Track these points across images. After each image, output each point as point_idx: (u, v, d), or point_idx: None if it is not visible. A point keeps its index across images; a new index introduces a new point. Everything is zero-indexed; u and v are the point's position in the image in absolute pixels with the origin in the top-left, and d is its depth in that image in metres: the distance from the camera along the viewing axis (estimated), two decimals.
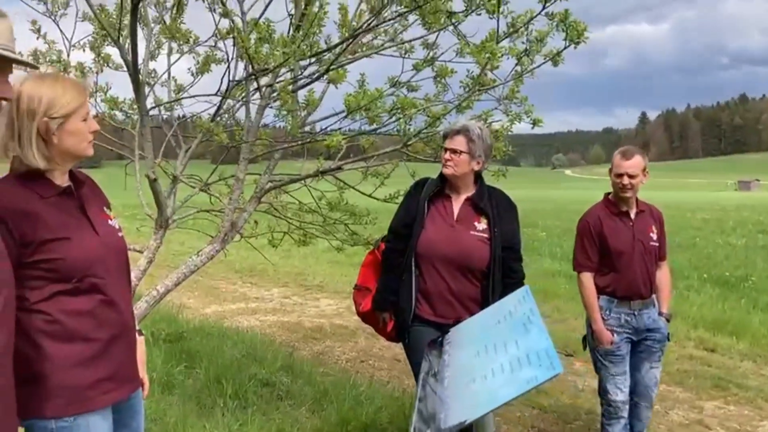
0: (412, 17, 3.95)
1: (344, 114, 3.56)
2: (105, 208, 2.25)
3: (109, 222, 2.21)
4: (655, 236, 3.99)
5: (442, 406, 2.01)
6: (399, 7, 3.39)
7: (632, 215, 3.97)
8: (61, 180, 2.10)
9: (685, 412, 5.23)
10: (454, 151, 3.41)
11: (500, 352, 1.99)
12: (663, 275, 4.08)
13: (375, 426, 4.32)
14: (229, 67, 3.39)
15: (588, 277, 3.99)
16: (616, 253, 3.90)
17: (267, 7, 3.55)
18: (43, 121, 1.99)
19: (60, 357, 2.00)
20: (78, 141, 2.07)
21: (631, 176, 3.84)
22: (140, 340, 2.36)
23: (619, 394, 3.94)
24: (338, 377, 5.44)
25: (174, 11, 4.03)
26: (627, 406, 3.97)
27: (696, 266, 12.63)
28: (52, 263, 1.99)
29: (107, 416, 2.12)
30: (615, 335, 3.90)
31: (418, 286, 3.46)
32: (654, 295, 3.99)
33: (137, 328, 2.36)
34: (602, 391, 4.03)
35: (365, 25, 3.41)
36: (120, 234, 2.24)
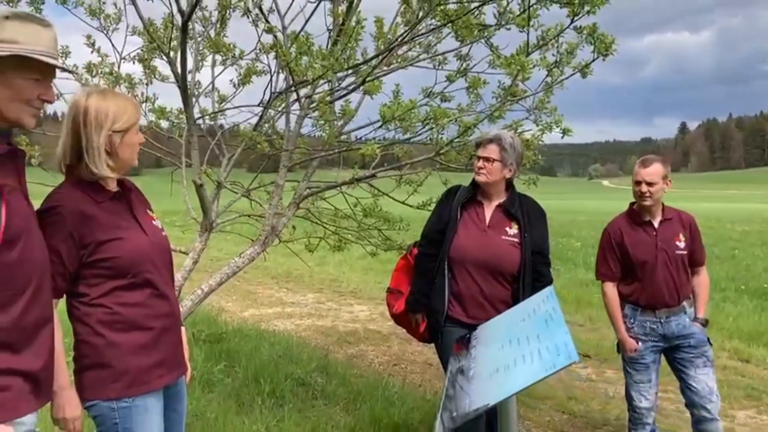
0: (445, 30, 4.12)
1: (379, 124, 3.72)
2: (149, 210, 2.47)
3: (153, 222, 2.43)
4: (682, 244, 3.95)
5: (467, 396, 2.15)
6: (433, 21, 3.53)
7: (655, 224, 3.96)
8: (112, 186, 2.32)
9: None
10: (487, 160, 3.54)
11: (523, 344, 2.13)
12: (700, 280, 4.06)
13: (406, 426, 4.45)
14: (271, 79, 3.58)
15: (610, 287, 4.04)
16: (639, 262, 3.92)
17: (307, 21, 3.75)
18: (109, 134, 2.20)
19: (120, 345, 2.23)
20: (132, 152, 2.31)
21: (649, 184, 3.85)
22: (183, 331, 2.56)
23: (643, 401, 3.97)
24: (371, 379, 5.58)
25: (218, 26, 4.26)
26: (652, 414, 4.00)
27: (733, 278, 12.47)
28: (110, 261, 2.21)
29: (159, 398, 2.34)
30: (640, 343, 3.93)
31: (451, 289, 3.59)
32: (685, 302, 3.94)
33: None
34: (628, 397, 4.09)
35: (399, 39, 3.56)
36: (164, 233, 2.46)
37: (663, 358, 4.10)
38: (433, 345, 3.88)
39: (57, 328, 2.11)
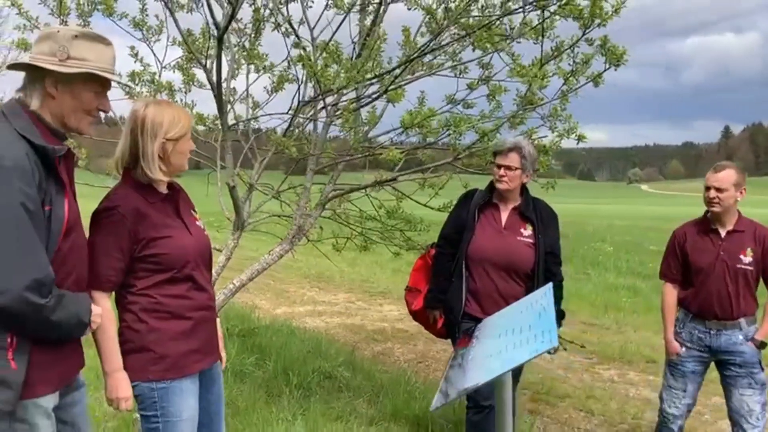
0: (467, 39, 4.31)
1: (401, 129, 3.95)
2: (192, 211, 2.73)
3: (197, 223, 2.70)
4: (747, 258, 3.78)
5: (463, 376, 2.37)
6: (455, 31, 3.74)
7: (722, 233, 3.84)
8: (163, 188, 2.59)
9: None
10: (508, 168, 3.75)
11: (516, 334, 2.33)
12: None
13: (426, 418, 4.64)
14: (299, 88, 3.83)
15: (668, 288, 4.03)
16: (695, 269, 3.88)
17: (335, 33, 4.00)
18: (162, 141, 2.47)
19: (161, 331, 2.50)
20: (182, 158, 2.58)
21: (718, 189, 3.74)
22: (217, 322, 2.81)
23: (671, 406, 3.97)
24: (395, 374, 5.80)
25: (252, 36, 4.52)
26: (678, 423, 3.97)
27: None
28: (158, 257, 2.48)
29: (195, 381, 2.60)
30: (683, 349, 3.92)
31: (468, 287, 3.80)
32: (743, 319, 3.80)
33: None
34: (660, 398, 4.09)
35: (420, 49, 3.77)
36: (205, 233, 2.73)
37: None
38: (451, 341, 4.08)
39: (111, 317, 2.41)
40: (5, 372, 1.95)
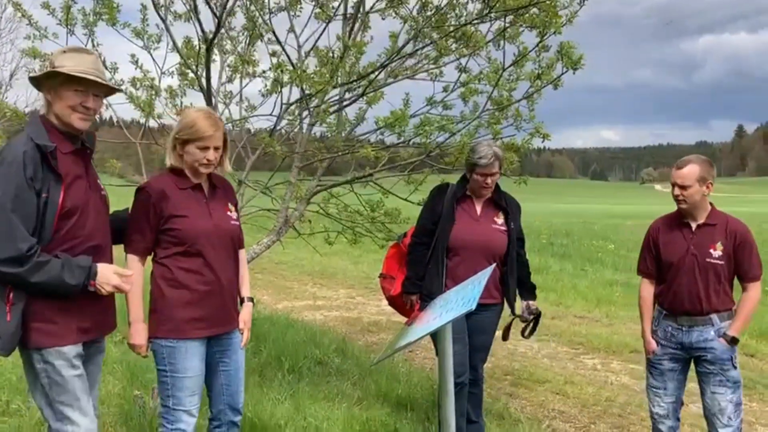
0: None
1: (380, 129, 4.30)
2: (229, 204, 3.22)
3: (228, 213, 3.18)
4: (717, 252, 3.70)
5: (404, 337, 2.75)
6: (421, 42, 4.08)
7: (693, 227, 3.77)
8: (195, 179, 3.08)
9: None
10: (492, 175, 4.10)
11: (450, 303, 2.68)
12: (744, 296, 3.75)
13: (408, 398, 4.99)
14: (281, 92, 4.18)
15: (644, 284, 4.00)
16: (666, 263, 3.83)
17: (318, 40, 4.36)
18: (174, 138, 3.03)
19: (171, 298, 2.98)
20: (192, 159, 3.04)
21: (681, 187, 3.68)
22: (248, 306, 3.29)
23: (655, 406, 3.92)
24: (384, 361, 6.13)
25: (246, 43, 4.88)
26: (666, 423, 3.89)
27: (765, 280, 12.58)
28: (174, 232, 2.99)
29: (201, 346, 3.05)
30: (659, 347, 3.87)
31: (447, 272, 4.14)
32: (714, 315, 3.71)
33: (246, 296, 3.29)
34: (648, 399, 4.04)
35: (393, 56, 4.11)
36: (233, 222, 3.20)
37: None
38: None
39: (138, 276, 2.94)
40: (1, 323, 2.49)
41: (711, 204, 3.82)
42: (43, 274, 2.49)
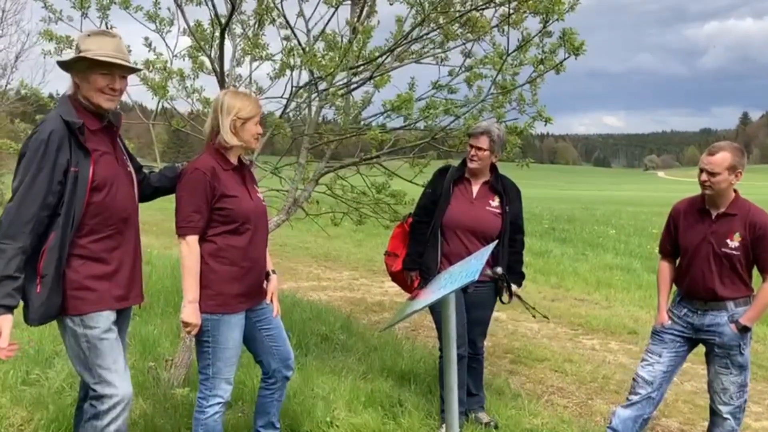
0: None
1: (384, 112, 4.44)
2: (255, 185, 3.44)
3: (257, 194, 3.39)
4: (734, 243, 3.69)
5: (410, 307, 2.91)
6: (427, 27, 4.21)
7: (713, 215, 3.77)
8: (234, 160, 3.27)
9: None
10: (479, 149, 4.23)
11: (453, 276, 2.85)
12: (762, 288, 3.70)
13: (412, 373, 5.16)
14: (291, 75, 4.32)
15: (663, 263, 4.07)
16: (683, 248, 3.90)
17: (327, 24, 4.47)
18: (234, 119, 3.16)
19: (219, 273, 3.15)
20: (249, 136, 3.25)
21: (710, 173, 3.64)
22: (274, 278, 3.50)
23: (642, 369, 3.96)
24: (387, 338, 6.31)
25: (256, 27, 5.00)
26: (647, 388, 3.91)
27: None
28: (226, 211, 3.16)
29: (241, 318, 3.26)
30: (670, 322, 3.93)
31: (442, 250, 4.30)
32: (730, 302, 3.73)
33: (271, 269, 3.48)
34: None
35: (400, 40, 4.24)
36: (263, 202, 3.42)
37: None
38: None
39: (194, 256, 3.09)
40: (31, 294, 2.69)
41: (735, 191, 3.78)
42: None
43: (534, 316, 4.55)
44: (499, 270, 4.26)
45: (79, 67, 2.78)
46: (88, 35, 2.82)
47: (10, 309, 2.62)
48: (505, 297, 4.36)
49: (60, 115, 2.71)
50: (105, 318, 2.82)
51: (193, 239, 3.10)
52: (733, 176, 3.65)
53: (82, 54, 2.74)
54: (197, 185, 3.09)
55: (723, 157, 3.62)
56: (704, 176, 3.68)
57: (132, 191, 3.00)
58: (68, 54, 2.87)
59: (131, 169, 3.05)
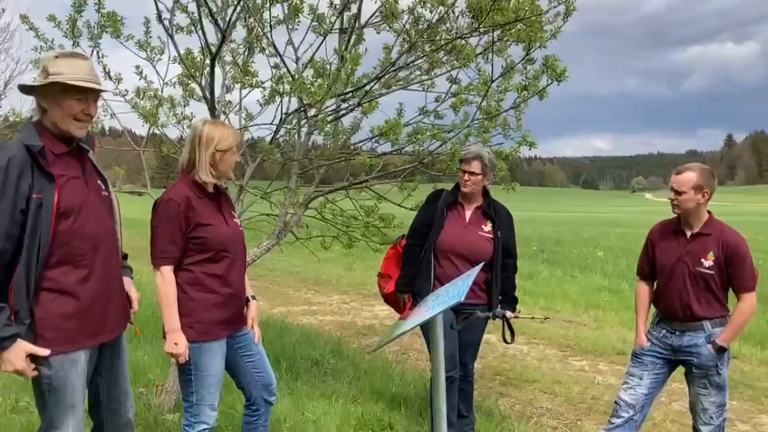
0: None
1: (374, 137, 4.52)
2: (232, 211, 3.42)
3: (234, 219, 3.39)
4: (708, 263, 3.76)
5: (399, 328, 2.96)
6: (413, 55, 4.31)
7: (688, 235, 3.85)
8: (210, 188, 3.26)
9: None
10: (471, 173, 4.32)
11: (440, 298, 2.90)
12: (737, 307, 3.79)
13: (402, 395, 5.18)
14: (281, 102, 4.40)
15: (641, 284, 4.13)
16: (659, 268, 3.95)
17: (315, 52, 4.56)
18: (213, 152, 3.14)
19: (198, 301, 3.15)
20: (228, 167, 3.26)
21: (676, 192, 3.76)
22: (254, 303, 3.50)
23: (623, 392, 3.99)
24: (378, 362, 6.33)
25: (246, 55, 5.08)
26: (630, 411, 3.94)
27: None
28: (201, 240, 3.16)
29: (222, 345, 3.26)
30: (649, 344, 3.98)
31: (435, 273, 4.35)
32: (707, 322, 3.79)
33: (250, 294, 3.48)
34: None
35: (387, 67, 4.33)
36: (240, 228, 3.43)
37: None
38: None
39: (170, 286, 3.07)
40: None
41: (709, 212, 3.87)
42: None
43: (532, 318, 4.58)
44: (500, 312, 4.33)
45: (50, 90, 2.59)
46: (57, 57, 2.63)
47: (14, 338, 2.49)
48: (508, 337, 4.37)
49: (21, 141, 2.55)
50: (71, 361, 2.65)
51: (167, 270, 3.09)
52: (700, 195, 3.73)
53: (54, 78, 2.55)
54: (171, 216, 3.08)
55: (689, 177, 3.73)
56: (672, 194, 3.81)
57: (106, 216, 2.81)
58: (31, 77, 2.67)
59: (107, 192, 2.87)
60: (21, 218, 2.50)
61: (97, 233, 2.72)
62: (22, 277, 2.51)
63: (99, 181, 2.85)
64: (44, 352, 2.55)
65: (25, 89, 2.70)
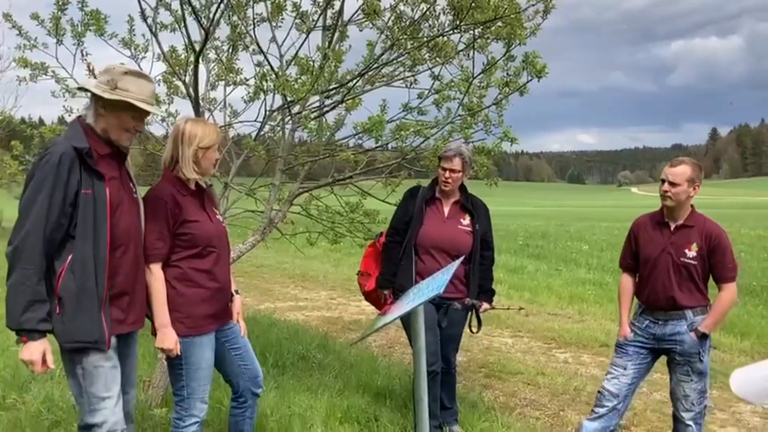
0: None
1: (358, 134, 4.57)
2: (214, 208, 3.47)
3: (217, 216, 3.44)
4: (692, 254, 3.88)
5: (380, 321, 3.01)
6: (396, 52, 4.36)
7: (672, 227, 3.96)
8: (192, 185, 3.31)
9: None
10: (452, 170, 4.38)
11: (422, 290, 2.96)
12: (719, 296, 3.91)
13: (387, 389, 5.25)
14: (264, 99, 4.44)
15: (624, 276, 4.21)
16: (643, 259, 4.04)
17: (299, 49, 4.61)
18: (195, 149, 3.20)
19: (187, 296, 3.21)
20: (209, 164, 3.32)
21: (671, 183, 3.85)
22: (238, 298, 3.56)
23: (608, 382, 4.07)
24: (364, 356, 6.39)
25: (230, 52, 5.12)
26: (613, 401, 4.02)
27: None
28: (188, 236, 3.21)
29: (211, 339, 3.32)
30: (632, 334, 4.07)
31: (416, 268, 4.41)
32: (689, 311, 3.90)
33: (234, 289, 3.53)
34: None
35: (370, 64, 4.39)
36: (223, 224, 3.48)
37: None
38: None
39: (160, 282, 3.12)
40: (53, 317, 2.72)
41: (692, 206, 4.00)
42: (12, 276, 2.64)
43: (508, 308, 4.67)
44: (469, 302, 4.43)
45: (112, 102, 2.81)
46: (125, 72, 2.85)
47: (44, 334, 2.67)
48: (475, 327, 4.53)
49: (69, 140, 2.76)
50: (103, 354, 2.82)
51: (156, 266, 3.12)
52: (692, 189, 3.87)
53: (122, 95, 2.80)
54: (158, 213, 3.12)
55: (684, 170, 3.86)
56: (666, 186, 3.88)
57: (135, 218, 3.01)
58: (85, 80, 2.94)
59: (137, 195, 3.08)
60: (70, 210, 2.71)
61: (128, 232, 2.92)
62: (79, 264, 2.71)
63: (131, 184, 3.06)
64: (51, 363, 2.70)
65: (86, 91, 2.91)
